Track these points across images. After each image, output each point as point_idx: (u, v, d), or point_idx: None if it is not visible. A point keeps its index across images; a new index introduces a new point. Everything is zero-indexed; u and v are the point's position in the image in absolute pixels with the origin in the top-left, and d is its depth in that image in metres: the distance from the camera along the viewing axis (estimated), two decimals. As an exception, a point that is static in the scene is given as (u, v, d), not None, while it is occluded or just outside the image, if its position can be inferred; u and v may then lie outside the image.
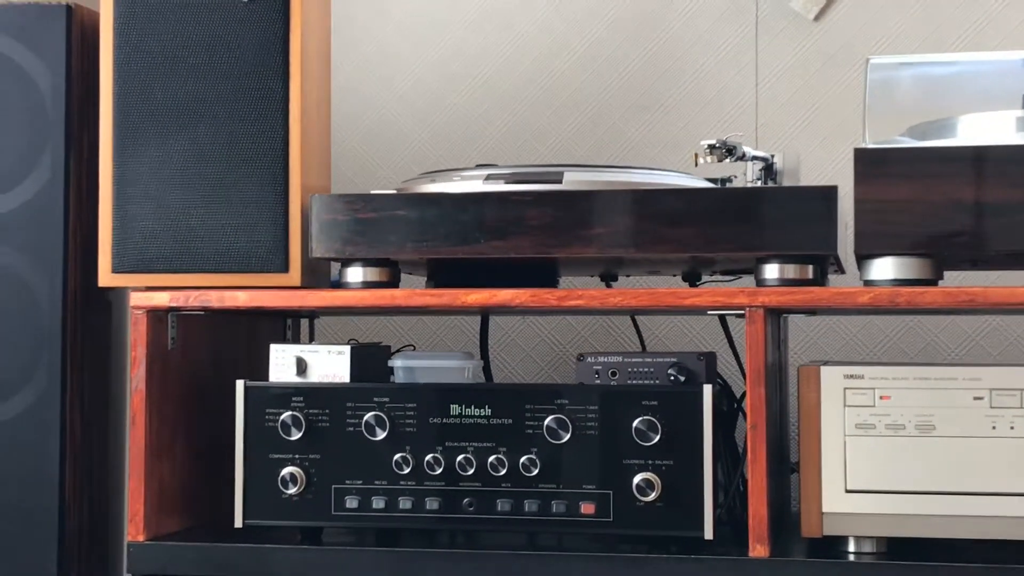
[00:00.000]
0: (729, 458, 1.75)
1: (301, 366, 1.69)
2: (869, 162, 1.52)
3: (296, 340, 2.01)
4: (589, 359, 1.67)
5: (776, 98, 2.09)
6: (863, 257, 1.54)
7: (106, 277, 1.67)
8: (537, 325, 2.15)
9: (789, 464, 1.84)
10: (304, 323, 2.04)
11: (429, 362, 1.72)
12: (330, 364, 1.69)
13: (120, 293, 1.83)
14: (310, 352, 1.69)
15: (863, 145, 1.56)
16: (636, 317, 2.01)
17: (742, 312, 1.56)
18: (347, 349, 1.69)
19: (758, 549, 1.53)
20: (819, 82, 2.08)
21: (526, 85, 2.18)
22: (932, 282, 1.53)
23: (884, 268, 1.53)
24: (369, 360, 1.74)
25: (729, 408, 1.79)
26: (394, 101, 2.22)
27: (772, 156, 1.70)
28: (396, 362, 1.73)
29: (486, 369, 1.95)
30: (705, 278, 1.86)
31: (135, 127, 1.66)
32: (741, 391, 1.79)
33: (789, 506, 1.87)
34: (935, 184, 1.50)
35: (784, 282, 1.55)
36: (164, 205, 1.66)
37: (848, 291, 1.53)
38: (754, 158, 1.70)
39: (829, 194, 1.53)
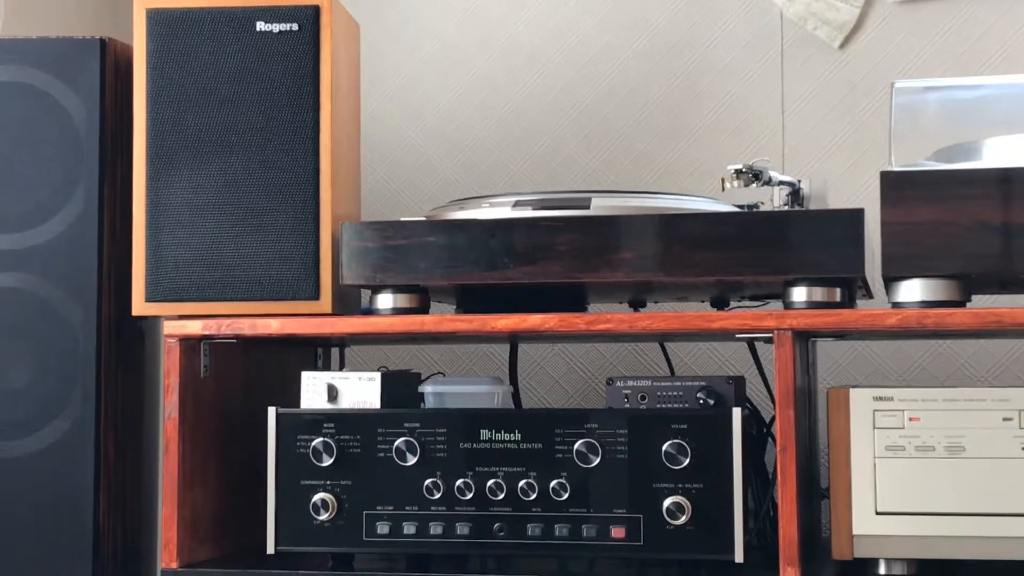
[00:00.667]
0: (759, 482, 1.75)
1: (332, 393, 1.71)
2: (895, 185, 1.53)
3: (327, 368, 2.02)
4: (618, 383, 1.68)
5: (802, 124, 2.10)
6: (891, 280, 1.55)
7: (139, 306, 1.69)
8: (566, 353, 2.16)
9: (820, 490, 1.85)
10: (335, 352, 2.05)
11: (459, 388, 1.73)
12: (361, 391, 1.71)
13: (153, 323, 1.84)
14: (341, 379, 1.71)
15: (889, 168, 1.57)
16: (665, 344, 2.02)
17: (770, 336, 1.56)
18: (377, 376, 1.70)
19: (789, 572, 1.53)
20: (845, 108, 2.09)
21: (553, 115, 2.19)
22: (960, 304, 1.53)
23: (911, 290, 1.54)
24: (399, 387, 1.76)
25: (758, 433, 1.80)
26: (422, 132, 2.24)
27: (799, 181, 1.72)
28: (427, 388, 1.74)
29: (515, 396, 1.96)
30: (733, 304, 1.87)
31: (168, 157, 1.69)
32: (770, 416, 1.80)
33: (820, 532, 1.86)
34: (961, 206, 1.51)
35: (812, 305, 1.56)
36: (196, 234, 1.68)
37: (876, 313, 1.54)
38: (781, 183, 1.71)
39: (856, 217, 1.54)
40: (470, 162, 2.22)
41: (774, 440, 1.77)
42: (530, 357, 2.15)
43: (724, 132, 2.13)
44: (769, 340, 1.58)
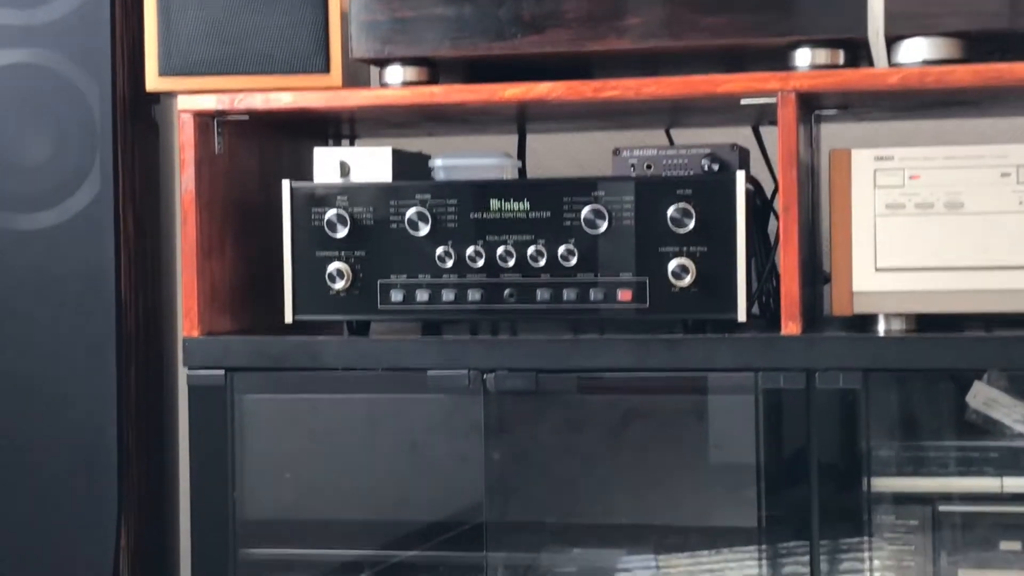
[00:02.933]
0: (762, 251, 1.79)
1: (344, 169, 1.74)
2: (899, -57, 1.54)
3: (338, 154, 2.05)
4: (624, 153, 1.72)
5: None
6: (893, 40, 1.57)
7: (153, 81, 1.72)
8: (573, 142, 2.18)
9: (822, 274, 1.89)
10: (345, 143, 2.08)
11: (468, 160, 1.76)
12: (372, 166, 1.74)
13: (168, 106, 1.88)
14: (353, 154, 1.74)
15: (892, -73, 1.58)
16: (670, 131, 2.04)
17: (774, 100, 1.59)
18: (388, 150, 1.73)
19: (790, 327, 1.59)
20: None
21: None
22: (962, 62, 1.55)
23: (913, 50, 1.56)
24: (410, 163, 1.79)
25: (762, 205, 1.84)
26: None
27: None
28: (436, 162, 1.77)
29: (522, 172, 1.99)
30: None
31: (179, -69, 1.70)
32: (773, 192, 1.83)
33: (821, 306, 1.91)
34: (965, -37, 1.53)
35: (815, 67, 1.59)
36: (207, 9, 1.70)
37: (877, 72, 1.56)
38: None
39: (859, -24, 1.56)
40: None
41: (777, 216, 1.82)
42: (537, 149, 2.17)
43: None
44: (773, 101, 1.60)
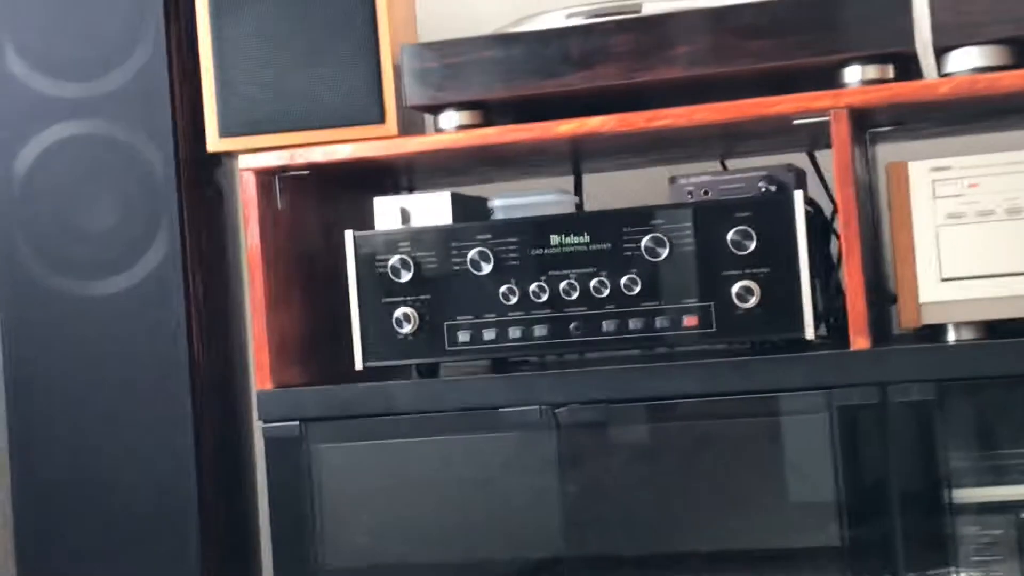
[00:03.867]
0: (825, 270, 1.79)
1: (405, 216, 1.76)
2: (941, -45, 1.55)
3: (397, 204, 2.08)
4: (680, 180, 1.73)
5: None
6: (942, 51, 1.58)
7: (213, 143, 1.76)
8: (628, 180, 2.19)
9: (888, 294, 1.88)
10: (403, 194, 2.11)
11: (527, 199, 1.78)
12: (432, 212, 1.76)
13: (229, 163, 1.91)
14: (412, 201, 1.76)
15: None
16: (724, 161, 2.05)
17: (827, 116, 1.59)
18: (447, 195, 1.76)
19: (859, 342, 1.58)
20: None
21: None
22: (1012, 68, 1.55)
23: (962, 59, 1.57)
24: (469, 207, 1.82)
25: (822, 227, 1.84)
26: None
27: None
28: (495, 202, 1.79)
29: (579, 207, 2.00)
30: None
31: (230, -6, 1.74)
32: (832, 213, 1.84)
33: (890, 331, 1.90)
34: (1009, -30, 1.53)
35: (866, 83, 1.59)
36: (262, 68, 1.74)
37: (928, 83, 1.57)
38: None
39: (903, -10, 1.57)
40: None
41: (837, 236, 1.83)
42: (593, 189, 2.19)
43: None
44: (826, 120, 1.61)
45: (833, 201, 1.87)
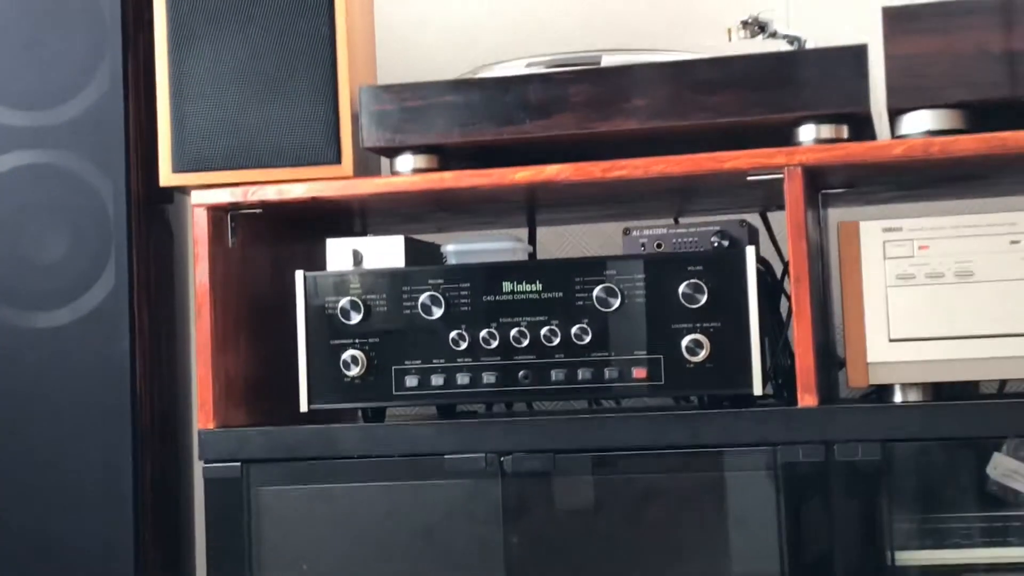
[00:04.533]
0: (775, 327, 1.80)
1: (357, 258, 1.75)
2: (897, 19, 1.57)
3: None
4: (634, 232, 1.73)
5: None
6: (896, 113, 1.59)
7: (167, 177, 1.75)
8: (582, 234, 2.20)
9: (836, 359, 1.89)
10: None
11: (480, 245, 1.77)
12: (385, 255, 1.75)
13: (180, 199, 1.90)
14: (365, 243, 1.75)
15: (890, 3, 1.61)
16: (678, 218, 2.06)
17: (780, 173, 1.60)
18: (400, 239, 1.75)
19: (807, 399, 1.58)
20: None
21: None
22: (965, 132, 1.57)
23: (916, 121, 1.58)
24: (422, 252, 1.81)
25: (772, 285, 1.85)
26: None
27: (803, 38, 1.75)
28: (448, 248, 1.79)
29: (532, 257, 2.00)
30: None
31: (189, 29, 1.73)
32: (783, 273, 1.85)
33: (837, 392, 1.90)
34: (963, 36, 1.55)
35: (820, 142, 1.61)
36: (219, 105, 1.73)
37: (882, 144, 1.58)
38: (785, 36, 1.75)
39: (859, 52, 1.59)
40: (476, 35, 2.23)
41: (787, 296, 1.83)
42: (547, 241, 2.19)
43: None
44: (779, 180, 1.62)
45: (784, 262, 1.88)
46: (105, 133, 1.79)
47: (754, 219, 1.98)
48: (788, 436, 1.57)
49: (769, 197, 1.82)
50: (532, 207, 1.94)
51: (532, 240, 2.03)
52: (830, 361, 1.82)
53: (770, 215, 1.99)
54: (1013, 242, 1.57)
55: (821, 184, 1.77)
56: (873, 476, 1.56)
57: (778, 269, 1.90)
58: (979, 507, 1.60)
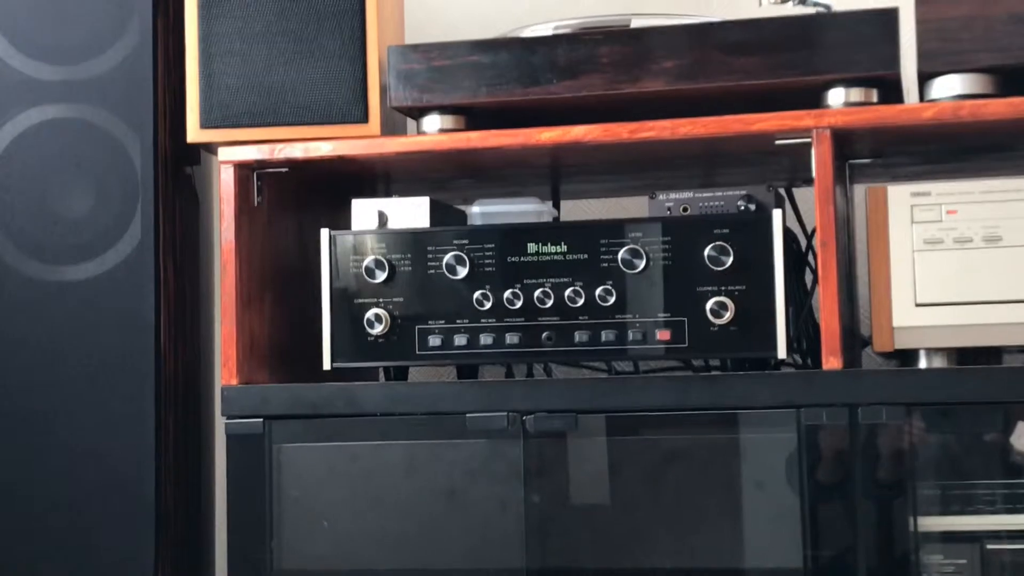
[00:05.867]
0: (799, 295, 1.79)
1: (382, 219, 1.75)
2: (929, -18, 1.57)
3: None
4: (660, 196, 1.73)
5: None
6: (926, 78, 1.59)
7: (194, 133, 1.75)
8: (607, 207, 2.19)
9: (860, 338, 1.88)
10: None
11: (505, 207, 1.77)
12: (410, 217, 1.75)
13: (207, 162, 1.90)
14: (391, 204, 1.76)
15: (922, -32, 1.60)
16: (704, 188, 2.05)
17: (809, 136, 1.60)
18: (426, 200, 1.75)
19: (831, 362, 1.58)
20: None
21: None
22: (995, 97, 1.57)
23: (947, 85, 1.58)
24: (447, 214, 1.81)
25: (798, 257, 1.84)
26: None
27: (831, 3, 1.75)
28: (473, 209, 1.79)
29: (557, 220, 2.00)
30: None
31: (219, -13, 1.74)
32: (807, 247, 1.84)
33: (860, 353, 1.89)
34: (996, 1, 1.55)
35: (849, 105, 1.60)
36: (248, 62, 1.73)
37: (912, 107, 1.58)
38: (815, 3, 1.74)
39: (890, 15, 1.58)
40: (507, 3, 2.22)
41: (811, 268, 1.83)
42: (571, 212, 2.19)
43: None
44: (807, 146, 1.61)
45: (808, 236, 1.87)
46: (134, 89, 1.79)
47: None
48: (812, 399, 1.56)
49: (795, 169, 1.81)
50: (557, 174, 1.94)
51: (556, 197, 2.03)
52: (854, 337, 1.81)
53: (796, 191, 1.99)
54: (1041, 207, 1.56)
55: (849, 152, 1.77)
56: (897, 440, 1.55)
57: (803, 245, 1.90)
58: (1003, 474, 1.59)
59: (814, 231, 1.65)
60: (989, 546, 1.56)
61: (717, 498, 1.63)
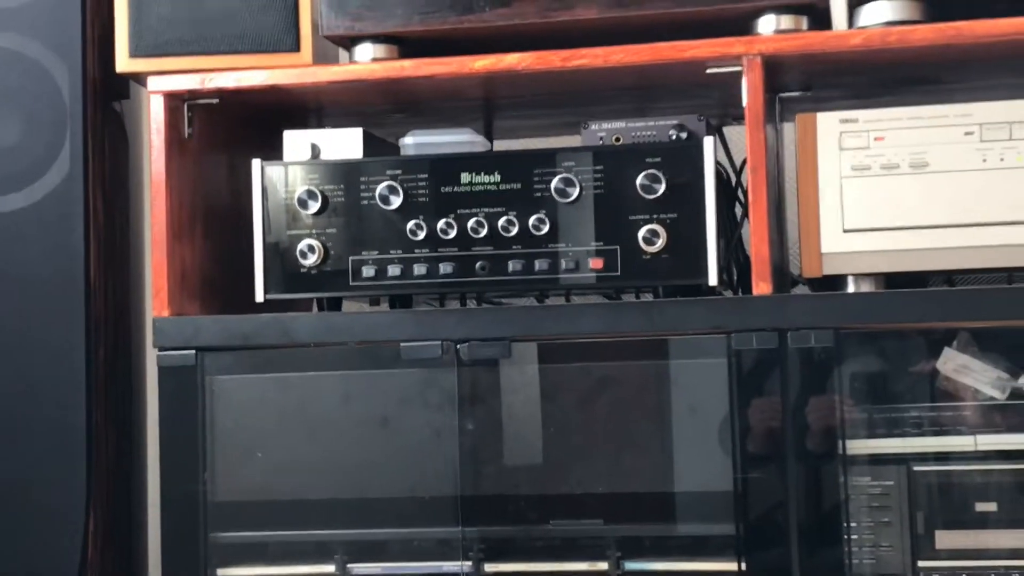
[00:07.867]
0: (730, 230, 1.81)
1: (315, 151, 1.74)
2: (856, -92, 1.58)
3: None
4: (593, 126, 1.73)
5: None
6: (855, 5, 1.60)
7: (123, 62, 1.73)
8: (538, 142, 2.19)
9: (789, 276, 1.90)
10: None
11: (438, 137, 1.77)
12: (343, 148, 1.74)
13: (137, 95, 1.88)
14: (323, 136, 1.75)
15: None
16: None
17: (739, 65, 1.61)
18: (359, 131, 1.74)
19: (761, 287, 1.59)
20: None
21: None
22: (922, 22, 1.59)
23: (875, 12, 1.60)
24: (380, 145, 1.80)
25: (728, 192, 1.85)
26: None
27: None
28: (406, 140, 1.78)
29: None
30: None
31: (147, -88, 1.72)
32: (736, 184, 1.86)
33: (788, 278, 1.90)
34: (921, -75, 1.57)
35: (779, 32, 1.61)
36: (177, -10, 1.72)
37: (840, 33, 1.59)
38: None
39: (819, -59, 1.60)
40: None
41: (741, 202, 1.84)
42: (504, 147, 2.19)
43: None
44: (737, 74, 1.62)
45: (738, 172, 1.88)
46: (62, 18, 1.77)
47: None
48: (742, 323, 1.58)
49: (727, 105, 1.82)
50: (491, 108, 1.93)
51: (489, 130, 2.03)
52: (784, 273, 1.83)
53: (726, 130, 2.00)
54: (967, 133, 1.58)
55: (779, 85, 1.78)
56: (826, 364, 1.57)
57: (733, 182, 1.91)
58: (929, 398, 1.62)
59: (744, 164, 1.67)
60: (916, 468, 1.59)
61: (649, 424, 1.64)
